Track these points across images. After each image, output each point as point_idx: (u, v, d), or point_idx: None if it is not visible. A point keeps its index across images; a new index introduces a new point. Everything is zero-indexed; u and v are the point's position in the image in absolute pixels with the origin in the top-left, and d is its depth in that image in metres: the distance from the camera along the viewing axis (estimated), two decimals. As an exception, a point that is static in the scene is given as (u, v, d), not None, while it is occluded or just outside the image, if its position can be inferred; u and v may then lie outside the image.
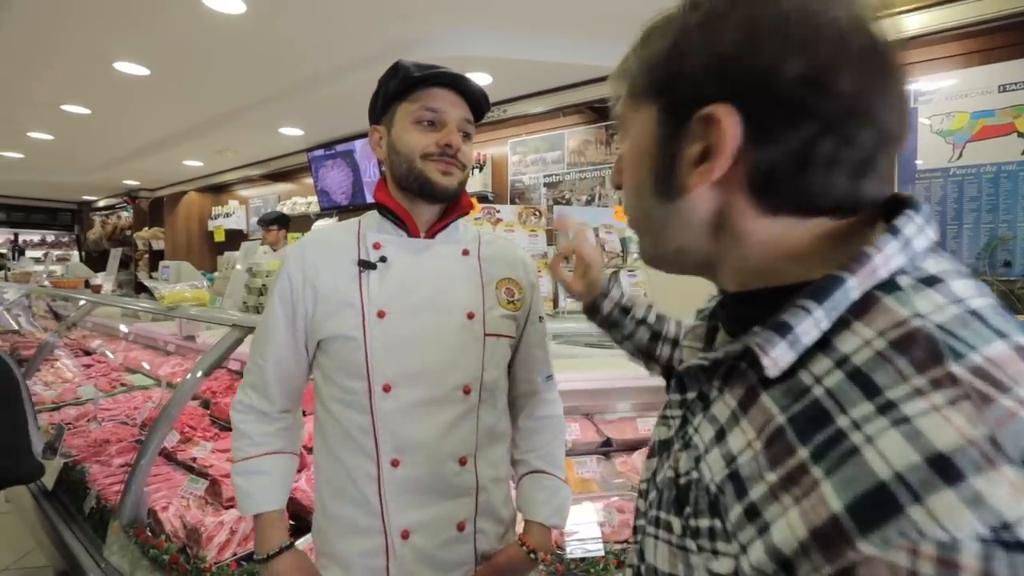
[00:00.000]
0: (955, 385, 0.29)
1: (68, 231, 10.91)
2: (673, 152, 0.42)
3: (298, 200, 6.33)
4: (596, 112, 3.95)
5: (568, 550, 1.32)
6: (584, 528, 1.38)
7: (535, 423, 1.08)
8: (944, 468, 0.27)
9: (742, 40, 0.38)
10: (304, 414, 1.11)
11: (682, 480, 0.44)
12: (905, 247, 0.37)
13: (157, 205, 8.53)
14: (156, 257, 7.98)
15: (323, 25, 3.02)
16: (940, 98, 2.66)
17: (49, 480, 2.02)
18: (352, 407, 0.92)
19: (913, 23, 2.57)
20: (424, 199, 0.94)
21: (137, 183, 8.11)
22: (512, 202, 4.46)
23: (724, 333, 0.51)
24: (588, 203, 4.07)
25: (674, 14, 0.43)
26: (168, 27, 3.02)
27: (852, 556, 0.28)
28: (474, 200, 1.15)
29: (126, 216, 9.18)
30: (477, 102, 0.95)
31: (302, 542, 1.23)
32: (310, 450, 1.18)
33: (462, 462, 0.93)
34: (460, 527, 0.94)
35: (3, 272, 6.25)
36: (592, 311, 0.92)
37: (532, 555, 0.98)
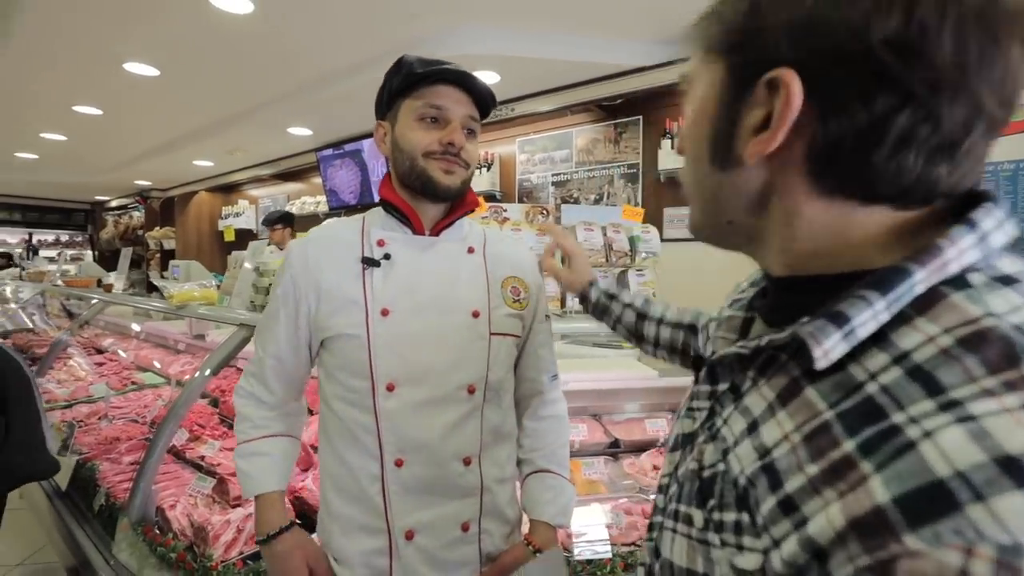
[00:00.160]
0: None
1: (82, 231, 11.07)
2: (734, 117, 0.40)
3: (307, 200, 6.36)
4: (604, 110, 3.92)
5: (576, 552, 1.31)
6: (592, 530, 1.37)
7: (540, 423, 1.07)
8: (1014, 471, 0.25)
9: None
10: (311, 412, 1.10)
11: (706, 473, 0.42)
12: (981, 242, 0.34)
13: (168, 205, 8.62)
14: (168, 257, 8.05)
15: (331, 24, 3.02)
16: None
17: (63, 479, 2.04)
18: (355, 406, 0.91)
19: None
20: (426, 197, 0.93)
21: (149, 183, 8.20)
22: (520, 201, 4.45)
23: (761, 323, 0.49)
24: (596, 202, 4.04)
25: None
26: (176, 27, 3.04)
27: (895, 549, 0.27)
28: (481, 199, 1.14)
29: (138, 216, 9.28)
30: (483, 99, 0.93)
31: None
32: (317, 449, 1.18)
33: (466, 462, 0.92)
34: (464, 527, 0.93)
35: (18, 271, 6.34)
36: (584, 300, 1.03)
37: (538, 555, 0.97)
